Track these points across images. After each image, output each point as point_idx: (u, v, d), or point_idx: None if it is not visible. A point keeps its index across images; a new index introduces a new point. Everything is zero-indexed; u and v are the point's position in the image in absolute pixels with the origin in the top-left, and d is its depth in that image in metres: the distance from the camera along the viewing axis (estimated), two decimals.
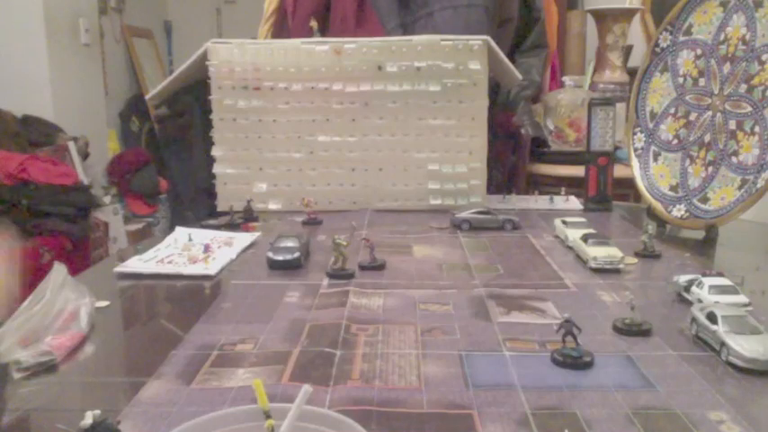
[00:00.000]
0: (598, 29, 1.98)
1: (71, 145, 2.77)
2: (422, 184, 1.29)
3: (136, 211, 3.40)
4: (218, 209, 1.28)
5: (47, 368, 0.60)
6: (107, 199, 3.08)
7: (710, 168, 1.06)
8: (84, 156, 2.92)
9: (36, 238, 2.25)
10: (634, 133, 1.20)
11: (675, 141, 1.13)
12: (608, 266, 0.87)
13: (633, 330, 0.66)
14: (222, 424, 0.41)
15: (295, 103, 1.27)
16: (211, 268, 0.89)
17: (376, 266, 0.90)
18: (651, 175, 1.16)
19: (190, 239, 1.03)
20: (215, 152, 1.28)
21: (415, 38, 1.26)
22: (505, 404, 0.52)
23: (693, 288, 0.74)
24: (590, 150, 1.28)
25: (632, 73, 1.73)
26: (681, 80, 1.13)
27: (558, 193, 1.38)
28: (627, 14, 1.94)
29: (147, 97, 1.50)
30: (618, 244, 0.92)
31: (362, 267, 0.89)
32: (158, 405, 0.52)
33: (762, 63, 0.99)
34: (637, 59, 2.13)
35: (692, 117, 1.11)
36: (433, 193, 1.29)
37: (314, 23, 1.39)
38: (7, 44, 2.82)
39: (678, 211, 1.08)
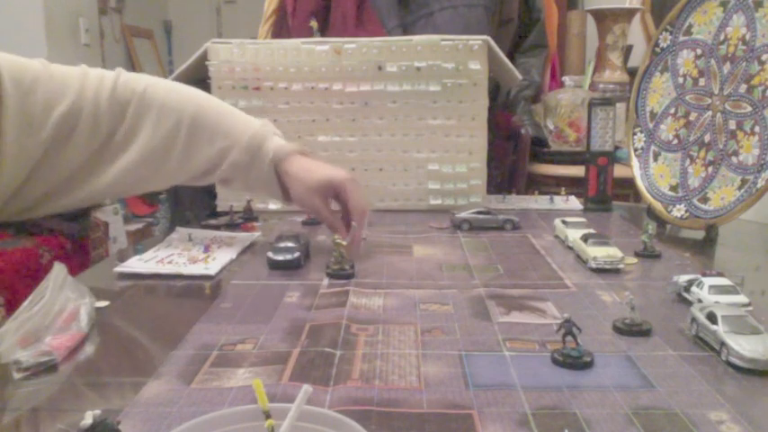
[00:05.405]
0: (598, 29, 1.98)
1: None
2: (422, 184, 1.29)
3: (136, 211, 3.40)
4: (218, 209, 1.28)
5: (47, 368, 0.59)
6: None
7: (710, 168, 1.06)
8: None
9: (35, 238, 2.25)
10: (634, 133, 1.20)
11: (675, 141, 1.13)
12: (608, 266, 0.87)
13: (633, 330, 0.66)
14: (222, 424, 0.41)
15: (295, 103, 1.27)
16: (211, 268, 0.88)
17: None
18: (651, 175, 1.16)
19: (190, 239, 1.03)
20: None
21: (415, 38, 1.26)
22: (505, 404, 0.52)
23: (693, 288, 0.74)
24: (590, 150, 1.28)
25: (632, 73, 1.73)
26: (681, 80, 1.13)
27: (558, 193, 1.38)
28: (627, 14, 1.94)
29: None
30: (618, 244, 0.92)
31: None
32: (158, 405, 0.52)
33: (762, 63, 0.99)
34: (637, 59, 2.12)
35: (692, 117, 1.11)
36: (433, 193, 1.29)
37: (314, 23, 1.39)
38: (7, 44, 2.80)
39: (678, 211, 1.08)
